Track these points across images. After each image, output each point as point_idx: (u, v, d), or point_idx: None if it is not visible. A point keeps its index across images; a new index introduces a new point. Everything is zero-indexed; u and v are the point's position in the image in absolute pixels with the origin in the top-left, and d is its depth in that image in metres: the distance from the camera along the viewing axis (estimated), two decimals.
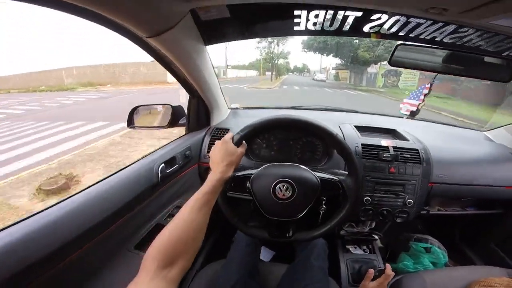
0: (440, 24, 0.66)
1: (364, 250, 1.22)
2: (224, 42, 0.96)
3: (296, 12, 0.79)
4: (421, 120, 1.59)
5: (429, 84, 0.99)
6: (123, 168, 0.83)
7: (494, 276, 0.85)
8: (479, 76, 0.84)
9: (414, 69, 0.83)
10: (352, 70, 26.18)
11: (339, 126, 1.19)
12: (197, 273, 0.92)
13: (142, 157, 0.92)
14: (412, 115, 0.93)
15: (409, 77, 18.26)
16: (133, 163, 0.88)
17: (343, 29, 0.84)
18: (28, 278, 0.49)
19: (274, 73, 29.90)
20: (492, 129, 1.44)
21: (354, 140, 1.07)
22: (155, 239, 0.48)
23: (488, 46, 0.72)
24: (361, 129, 1.20)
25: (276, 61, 28.85)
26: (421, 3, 0.55)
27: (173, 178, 0.98)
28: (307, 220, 0.77)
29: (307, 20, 0.82)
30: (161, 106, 1.22)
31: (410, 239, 1.45)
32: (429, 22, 0.68)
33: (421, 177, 1.01)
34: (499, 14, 0.50)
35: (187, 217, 0.52)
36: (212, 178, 0.61)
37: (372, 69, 21.42)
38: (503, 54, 0.75)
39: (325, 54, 25.80)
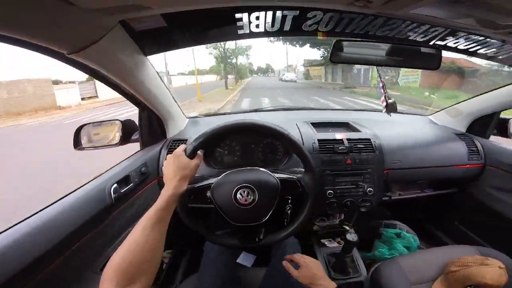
0: (370, 18, 0.70)
1: (338, 242, 1.24)
2: (167, 51, 0.92)
3: (238, 16, 0.78)
4: (369, 111, 1.70)
5: (379, 77, 1.03)
6: (73, 192, 0.79)
7: (466, 255, 0.89)
8: (416, 66, 0.90)
9: (355, 63, 0.86)
10: (329, 65, 22.13)
11: (296, 125, 1.21)
12: None
13: (92, 179, 0.86)
14: (388, 110, 0.98)
15: (410, 70, 12.87)
16: (83, 185, 0.82)
17: (284, 29, 0.84)
18: None
19: (234, 76, 26.01)
20: (434, 113, 1.56)
21: (311, 136, 1.10)
22: (110, 260, 0.48)
23: (415, 36, 0.77)
24: (317, 125, 1.23)
25: (233, 60, 24.45)
26: None
27: (130, 197, 0.93)
28: (276, 222, 0.76)
29: (250, 22, 0.81)
30: (110, 122, 1.14)
31: (380, 226, 1.51)
32: (360, 17, 0.71)
33: (376, 165, 1.06)
34: (415, 2, 0.53)
35: (139, 237, 0.51)
36: (165, 194, 0.60)
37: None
38: (430, 44, 0.80)
39: (298, 45, 21.55)
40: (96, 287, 0.44)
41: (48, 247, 0.60)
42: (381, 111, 1.70)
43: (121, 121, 1.09)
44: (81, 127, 1.07)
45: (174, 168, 0.64)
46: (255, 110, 1.65)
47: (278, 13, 0.77)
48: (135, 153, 1.10)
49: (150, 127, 1.13)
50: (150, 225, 0.53)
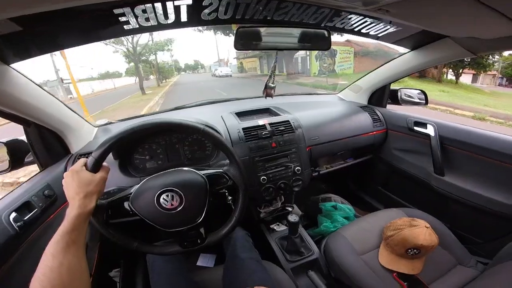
0: (264, 2, 0.69)
1: (285, 225, 1.27)
2: (35, 56, 0.73)
3: (117, 11, 0.66)
4: (286, 96, 1.81)
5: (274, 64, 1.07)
6: None
7: (395, 218, 0.99)
8: (310, 48, 0.93)
9: (258, 49, 0.87)
10: (263, 56, 21.55)
11: (221, 117, 1.19)
12: None
13: None
14: (267, 95, 1.02)
15: (344, 57, 14.88)
16: None
17: (182, 20, 0.77)
18: None
19: (155, 76, 20.88)
20: (341, 91, 1.76)
21: (236, 126, 1.10)
22: None
23: (308, 19, 0.81)
24: (241, 114, 1.26)
25: (150, 57, 19.35)
26: None
27: (39, 224, 0.81)
28: (216, 219, 0.74)
29: (136, 16, 0.71)
30: None
31: (318, 202, 1.60)
32: (254, 2, 0.69)
33: (298, 144, 1.12)
34: None
35: (52, 263, 0.47)
36: (70, 215, 0.55)
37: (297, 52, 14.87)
38: (321, 26, 0.87)
39: (228, 36, 18.38)
40: None
41: None
42: (296, 94, 1.84)
43: (5, 143, 0.88)
44: None
45: (75, 185, 0.58)
46: (177, 108, 1.55)
47: (169, 4, 0.69)
48: (33, 176, 0.94)
49: (44, 144, 0.94)
50: (60, 250, 0.49)
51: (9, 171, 0.89)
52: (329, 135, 1.27)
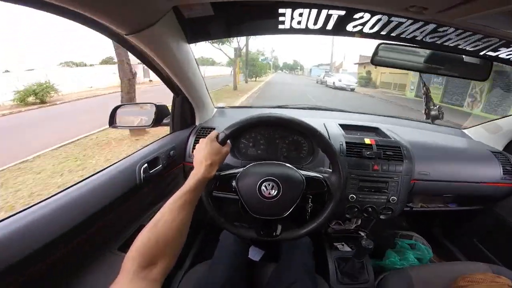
0: (420, 23, 0.67)
1: (351, 248, 1.22)
2: (208, 40, 0.95)
3: (281, 11, 0.78)
4: (401, 119, 1.63)
5: (423, 83, 0.99)
6: (104, 169, 0.81)
7: (478, 272, 0.87)
8: (459, 75, 0.87)
9: (396, 68, 0.84)
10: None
11: (324, 124, 1.20)
12: (185, 274, 0.91)
13: (124, 158, 0.89)
14: (432, 118, 0.94)
15: None
16: (114, 163, 0.85)
17: (327, 28, 0.84)
18: (8, 278, 0.49)
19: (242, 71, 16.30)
20: (470, 127, 1.48)
21: (339, 138, 1.08)
22: (135, 240, 0.47)
23: (466, 45, 0.74)
24: (345, 127, 1.21)
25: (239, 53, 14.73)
26: (402, 2, 0.56)
27: (156, 178, 0.96)
28: (294, 218, 0.77)
29: (292, 18, 0.81)
30: (145, 104, 1.20)
31: (395, 236, 1.49)
32: (409, 22, 0.68)
33: (403, 174, 1.02)
34: (474, 13, 0.51)
35: (167, 217, 0.51)
36: (195, 177, 0.60)
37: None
38: (480, 54, 0.77)
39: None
40: (115, 267, 0.44)
41: (73, 225, 0.61)
42: (413, 120, 1.65)
43: (156, 105, 1.14)
44: (117, 107, 1.13)
45: (206, 152, 0.64)
46: (279, 107, 1.64)
47: (324, 12, 0.76)
48: (164, 136, 1.12)
49: (181, 113, 1.18)
50: (177, 207, 0.53)
51: (151, 127, 1.13)
52: (443, 174, 1.11)
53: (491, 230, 1.35)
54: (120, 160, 0.88)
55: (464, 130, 1.50)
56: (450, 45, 0.75)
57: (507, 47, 0.70)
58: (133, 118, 1.23)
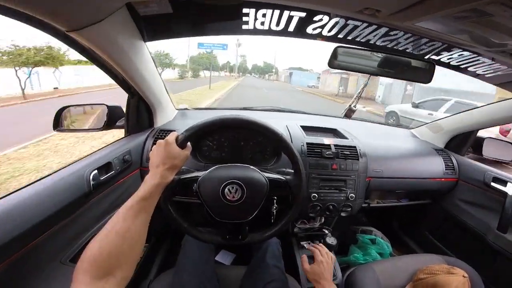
0: (374, 27, 0.72)
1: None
2: (167, 38, 0.89)
3: (245, 11, 0.77)
4: (357, 120, 1.74)
5: (364, 86, 1.08)
6: (48, 175, 0.74)
7: (434, 264, 0.93)
8: (407, 78, 0.94)
9: (353, 71, 0.89)
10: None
11: (286, 126, 1.22)
12: (150, 284, 0.85)
13: (71, 163, 0.81)
14: (347, 115, 1.01)
15: None
16: (60, 169, 0.77)
17: (288, 30, 0.85)
18: None
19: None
20: (417, 127, 1.64)
21: (300, 139, 1.11)
22: (84, 251, 0.44)
23: (413, 49, 0.81)
24: (306, 129, 1.25)
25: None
26: (357, 4, 0.58)
27: (110, 185, 0.89)
28: (260, 221, 0.76)
29: (255, 19, 0.81)
30: (95, 106, 1.10)
31: (356, 232, 1.56)
32: (364, 25, 0.73)
33: (360, 172, 1.09)
34: (421, 16, 0.55)
35: (120, 226, 0.47)
36: (150, 183, 0.56)
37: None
38: (425, 58, 0.85)
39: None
40: (65, 279, 0.41)
41: (14, 235, 0.55)
42: (366, 120, 1.77)
43: (108, 106, 1.04)
44: (63, 108, 1.01)
45: (164, 156, 0.60)
46: (245, 108, 1.64)
47: (286, 13, 0.77)
48: (118, 139, 1.05)
49: (137, 114, 1.10)
50: (131, 215, 0.49)
51: (102, 130, 1.04)
52: (394, 171, 1.21)
53: (440, 223, 1.48)
54: (66, 166, 0.79)
55: (412, 130, 1.66)
56: (399, 48, 0.81)
57: (448, 51, 0.78)
58: (83, 121, 1.12)
